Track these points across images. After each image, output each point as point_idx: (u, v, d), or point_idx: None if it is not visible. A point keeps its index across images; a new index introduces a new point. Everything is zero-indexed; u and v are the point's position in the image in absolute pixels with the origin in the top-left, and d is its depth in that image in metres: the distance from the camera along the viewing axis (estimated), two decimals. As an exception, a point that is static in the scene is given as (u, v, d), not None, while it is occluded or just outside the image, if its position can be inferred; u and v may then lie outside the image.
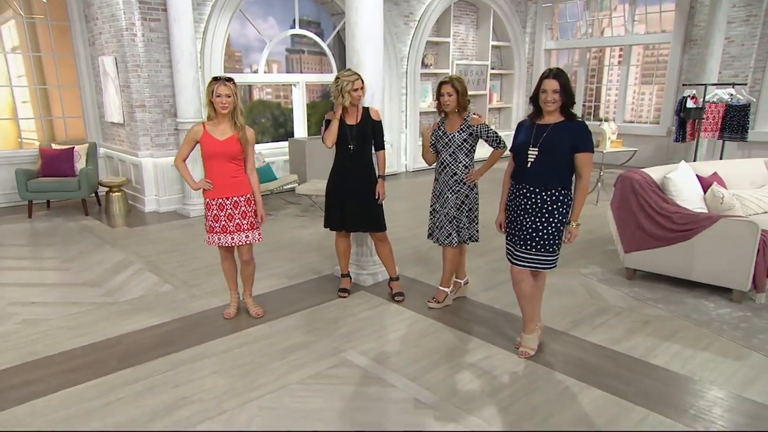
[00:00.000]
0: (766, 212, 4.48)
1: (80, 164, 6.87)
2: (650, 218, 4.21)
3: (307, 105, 9.15)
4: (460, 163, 3.74)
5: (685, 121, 7.01)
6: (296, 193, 6.82)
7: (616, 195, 4.45)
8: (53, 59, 7.43)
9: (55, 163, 6.73)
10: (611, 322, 3.77)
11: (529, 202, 3.07)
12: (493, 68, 10.81)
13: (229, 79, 3.42)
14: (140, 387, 3.02)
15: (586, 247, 5.35)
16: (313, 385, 3.03)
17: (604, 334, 3.58)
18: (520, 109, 11.35)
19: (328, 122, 3.86)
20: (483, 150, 3.88)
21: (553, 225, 3.05)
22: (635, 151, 7.47)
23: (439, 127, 3.80)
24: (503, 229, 3.31)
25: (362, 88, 3.82)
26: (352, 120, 3.88)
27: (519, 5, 10.93)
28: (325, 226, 4.15)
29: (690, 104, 6.90)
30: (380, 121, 3.98)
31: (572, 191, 3.08)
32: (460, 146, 3.72)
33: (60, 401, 2.89)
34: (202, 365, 3.26)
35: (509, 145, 3.34)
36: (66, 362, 3.29)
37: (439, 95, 3.71)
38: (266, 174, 7.11)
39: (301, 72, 9.13)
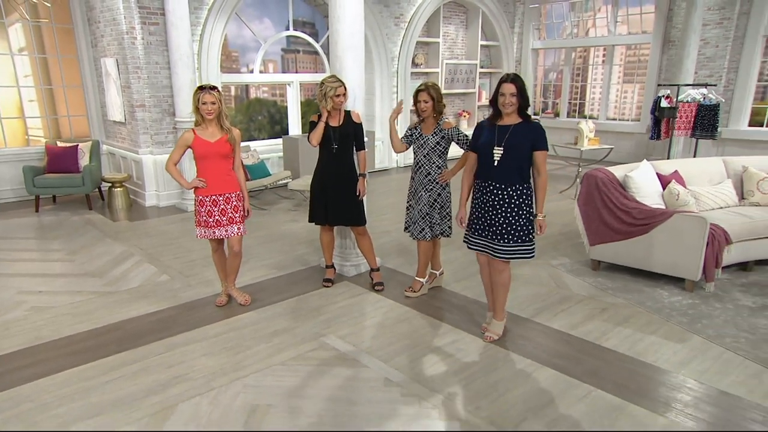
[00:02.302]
0: (721, 208, 4.78)
1: (84, 161, 7.20)
2: (612, 213, 4.51)
3: (302, 103, 9.45)
4: (433, 163, 4.05)
5: (660, 120, 7.30)
6: (289, 189, 7.14)
7: (582, 192, 4.76)
8: (58, 60, 7.75)
9: (60, 159, 7.07)
10: (572, 309, 4.09)
11: (497, 198, 3.34)
12: (482, 67, 11.09)
13: (213, 88, 3.73)
14: (137, 367, 3.35)
15: (559, 240, 5.66)
16: (294, 366, 3.36)
17: (564, 320, 3.90)
18: (510, 107, 11.62)
19: (313, 123, 4.18)
20: (455, 151, 4.18)
21: (524, 216, 3.34)
22: (611, 148, 7.77)
23: (415, 128, 4.11)
24: (463, 225, 3.61)
25: (344, 93, 4.13)
26: (335, 122, 4.19)
27: (507, 6, 11.18)
28: (310, 221, 4.47)
29: (664, 104, 7.19)
30: (361, 124, 4.29)
31: (532, 185, 3.38)
32: (433, 148, 4.03)
33: (63, 380, 3.21)
34: (194, 348, 3.59)
35: None
36: (69, 346, 3.61)
37: (416, 102, 4.01)
38: (260, 170, 7.43)
39: (297, 71, 9.43)
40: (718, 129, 7.21)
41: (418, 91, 3.99)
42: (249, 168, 7.36)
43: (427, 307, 4.16)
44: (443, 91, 10.48)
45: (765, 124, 8.71)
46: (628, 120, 10.53)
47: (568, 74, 11.25)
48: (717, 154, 8.05)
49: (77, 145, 7.21)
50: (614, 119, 10.70)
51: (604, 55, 10.64)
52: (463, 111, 11.00)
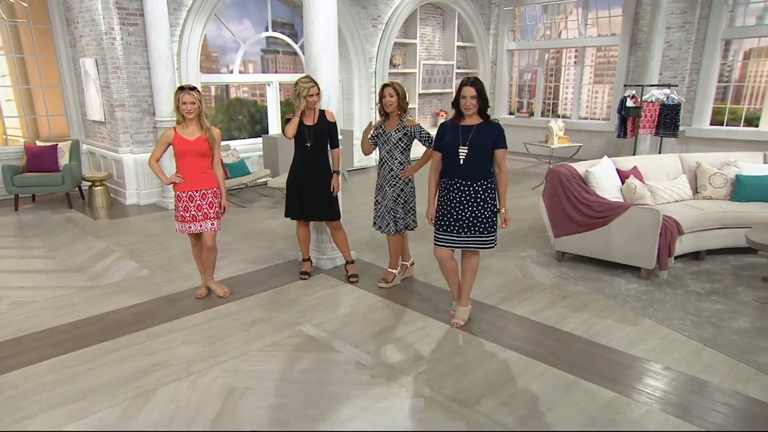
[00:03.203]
0: (676, 201, 5.08)
1: (64, 160, 7.26)
2: (574, 207, 4.77)
3: (282, 103, 9.59)
4: (395, 159, 4.26)
5: (626, 119, 7.63)
6: (268, 187, 7.29)
7: (547, 186, 5.01)
8: (36, 60, 7.79)
9: (39, 159, 7.12)
10: (536, 297, 4.33)
11: (464, 194, 3.55)
12: (459, 67, 11.35)
13: (193, 88, 3.89)
14: (119, 356, 3.49)
15: (528, 233, 5.92)
16: (270, 352, 3.53)
17: (527, 307, 4.14)
18: (486, 106, 11.92)
19: (287, 120, 4.36)
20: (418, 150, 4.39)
21: (488, 210, 3.56)
22: (580, 146, 8.08)
23: (381, 125, 4.31)
24: (433, 222, 3.83)
25: (318, 94, 4.31)
26: (309, 121, 4.37)
27: (483, 8, 11.46)
28: (286, 215, 4.64)
29: (630, 103, 7.52)
30: (335, 123, 4.48)
31: (494, 181, 3.60)
32: (396, 144, 4.24)
33: (47, 368, 3.34)
34: (174, 337, 3.74)
35: None
36: (51, 337, 3.73)
37: (381, 96, 4.21)
38: (240, 168, 7.57)
39: (277, 71, 9.57)
40: (680, 128, 7.55)
41: (384, 86, 4.21)
42: (229, 166, 7.50)
43: (399, 297, 4.36)
44: (420, 91, 10.74)
45: (725, 123, 9.12)
46: (599, 119, 10.88)
47: (542, 75, 11.57)
48: (681, 151, 8.39)
49: (57, 144, 7.27)
50: (586, 118, 11.05)
51: (575, 57, 10.99)
52: (441, 110, 11.25)
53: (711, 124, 9.21)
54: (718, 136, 8.89)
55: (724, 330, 3.66)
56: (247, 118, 10.06)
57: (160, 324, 3.93)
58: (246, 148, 8.59)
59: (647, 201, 4.79)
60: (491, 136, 3.47)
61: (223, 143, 8.07)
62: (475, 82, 3.43)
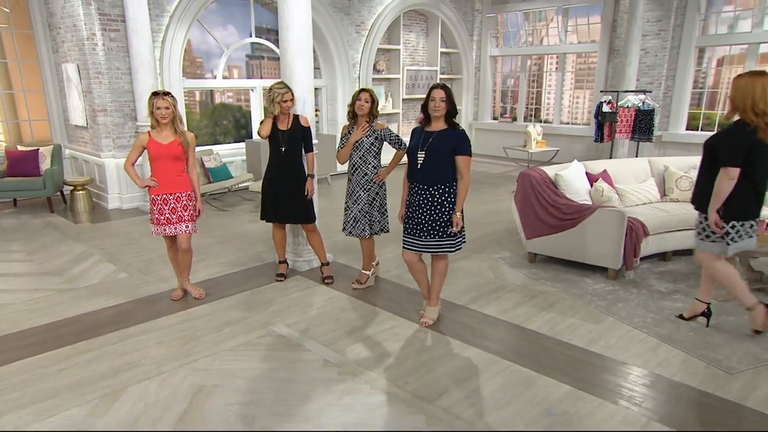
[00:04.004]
0: (644, 204, 5.21)
1: (45, 165, 7.29)
2: (545, 209, 4.89)
3: (266, 108, 9.65)
4: (369, 164, 4.35)
5: (603, 124, 7.79)
6: (250, 191, 7.36)
7: (519, 190, 5.13)
8: (17, 65, 7.82)
9: (20, 163, 7.15)
10: (505, 297, 4.43)
11: (422, 198, 3.65)
12: (443, 73, 11.50)
13: (167, 93, 3.98)
14: (91, 356, 3.55)
15: (504, 237, 6.04)
16: (241, 351, 3.60)
17: (496, 307, 4.24)
18: (468, 111, 12.08)
19: (262, 122, 4.45)
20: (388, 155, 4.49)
21: (446, 214, 3.63)
22: (557, 150, 8.23)
23: (349, 131, 4.41)
24: (401, 221, 3.92)
25: (291, 99, 4.41)
26: (283, 126, 4.46)
27: (466, 15, 11.64)
28: (262, 218, 4.72)
29: (606, 108, 7.69)
30: (309, 127, 4.57)
31: (455, 186, 3.68)
32: (368, 149, 4.33)
33: (17, 368, 3.38)
34: (147, 338, 3.80)
35: None
36: (25, 338, 3.78)
37: (355, 100, 4.30)
38: (222, 173, 7.64)
39: (262, 77, 9.65)
40: (654, 132, 7.73)
41: (361, 90, 4.29)
42: (211, 171, 7.58)
43: (371, 297, 4.45)
44: (404, 96, 10.87)
45: (700, 128, 9.32)
46: (579, 124, 11.06)
47: (524, 80, 11.75)
48: (658, 155, 8.58)
49: (38, 149, 7.30)
50: (567, 123, 11.23)
51: (557, 63, 11.17)
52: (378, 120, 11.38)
53: (687, 129, 9.41)
54: (693, 140, 9.07)
55: (682, 327, 3.78)
56: (231, 123, 10.12)
57: (135, 325, 3.99)
58: (230, 153, 8.65)
59: (614, 203, 4.92)
60: (452, 142, 3.55)
61: (205, 147, 8.17)
62: (445, 87, 3.54)
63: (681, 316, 3.91)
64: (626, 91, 8.07)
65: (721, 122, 9.03)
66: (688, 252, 5.19)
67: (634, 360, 3.39)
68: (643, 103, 7.79)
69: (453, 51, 11.66)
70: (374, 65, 10.34)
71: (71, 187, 7.26)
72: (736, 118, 3.33)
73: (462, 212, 3.65)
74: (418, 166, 3.62)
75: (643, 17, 8.76)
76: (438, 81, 3.64)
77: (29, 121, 8.05)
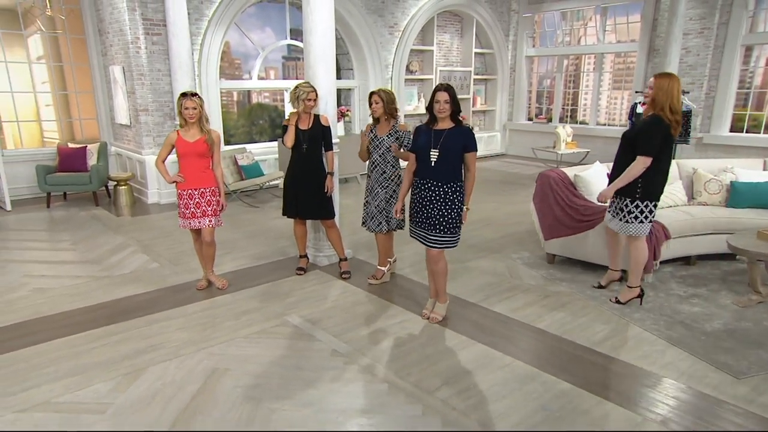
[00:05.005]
0: (670, 207, 5.09)
1: (92, 161, 7.78)
2: (563, 210, 4.86)
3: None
4: (388, 163, 4.46)
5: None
6: (280, 188, 7.58)
7: (537, 190, 5.12)
8: (71, 68, 8.38)
9: (70, 159, 7.66)
10: (518, 296, 4.45)
11: (434, 194, 3.73)
12: (477, 74, 11.47)
13: (195, 94, 4.21)
14: (119, 337, 3.82)
15: (525, 237, 6.02)
16: (255, 339, 3.79)
17: (507, 305, 4.26)
18: (503, 112, 12.00)
19: (285, 127, 4.62)
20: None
21: (455, 210, 3.73)
22: (587, 152, 8.08)
23: (371, 130, 4.53)
24: (398, 214, 4.05)
25: (315, 99, 4.58)
26: (304, 125, 4.63)
27: (502, 15, 11.56)
28: (283, 214, 4.91)
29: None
30: (329, 127, 4.73)
31: (463, 182, 3.77)
32: (388, 148, 4.44)
33: (55, 347, 3.68)
34: (171, 323, 4.04)
35: None
36: (64, 320, 4.10)
37: (370, 104, 4.45)
38: (254, 170, 7.93)
39: (297, 78, 9.92)
40: (691, 134, 7.47)
41: (371, 94, 4.45)
42: (244, 168, 7.87)
43: (385, 293, 4.56)
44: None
45: (745, 130, 8.93)
46: (616, 125, 10.79)
47: (560, 81, 11.56)
48: (699, 157, 8.28)
49: (86, 146, 7.79)
50: (604, 124, 10.97)
51: (594, 63, 10.94)
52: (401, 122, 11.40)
53: (731, 131, 9.03)
54: (736, 143, 8.72)
55: (695, 331, 3.71)
56: (267, 122, 10.46)
57: (161, 311, 4.25)
58: (264, 151, 8.95)
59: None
60: (461, 139, 3.63)
61: (239, 146, 8.49)
62: (448, 88, 3.62)
63: (600, 285, 4.48)
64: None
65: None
66: (714, 257, 5.06)
67: (638, 361, 3.36)
68: (682, 104, 7.55)
69: (488, 51, 11.61)
70: (407, 66, 10.44)
71: (115, 183, 7.70)
72: (651, 113, 3.88)
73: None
74: (432, 164, 3.69)
75: (685, 15, 8.49)
76: (441, 83, 3.67)
77: (80, 119, 8.61)
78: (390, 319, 4.08)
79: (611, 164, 4.23)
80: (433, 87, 3.76)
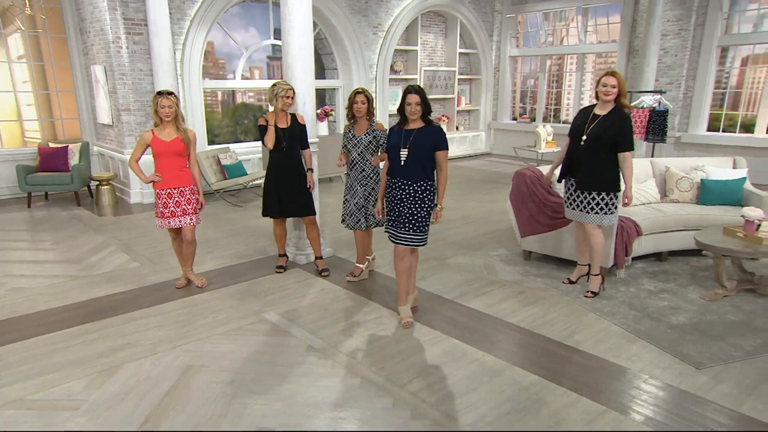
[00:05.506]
0: (643, 204, 5.19)
1: (73, 161, 7.75)
2: (538, 208, 4.95)
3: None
4: (366, 161, 4.52)
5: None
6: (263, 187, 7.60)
7: (513, 188, 5.20)
8: (52, 67, 8.34)
9: (51, 159, 7.63)
10: (493, 292, 4.52)
11: (405, 193, 3.79)
12: (461, 74, 11.57)
13: (170, 93, 4.24)
14: (96, 336, 3.83)
15: (504, 234, 6.10)
16: (232, 336, 3.82)
17: (482, 301, 4.33)
18: (488, 111, 12.10)
19: (261, 127, 4.64)
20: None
21: (425, 209, 3.79)
22: (567, 151, 8.18)
23: (349, 130, 4.58)
24: (381, 215, 4.08)
25: (293, 97, 4.62)
26: (283, 124, 4.67)
27: (485, 15, 11.67)
28: (265, 215, 4.92)
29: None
30: (305, 125, 4.78)
31: (435, 181, 3.83)
32: (366, 147, 4.50)
33: (31, 344, 3.69)
34: (148, 321, 4.06)
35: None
36: (40, 319, 4.10)
37: (353, 102, 4.48)
38: (237, 170, 7.94)
39: (282, 77, 9.92)
40: (668, 133, 7.62)
41: (356, 93, 4.47)
42: (227, 168, 7.89)
43: (362, 290, 4.61)
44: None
45: (721, 129, 9.11)
46: (598, 125, 10.92)
47: (543, 81, 11.69)
48: (678, 155, 8.46)
49: (67, 146, 7.76)
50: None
51: (576, 63, 11.08)
52: (443, 115, 11.48)
53: (708, 130, 9.21)
54: (713, 141, 8.89)
55: (662, 324, 3.80)
56: (252, 122, 10.47)
57: (139, 310, 4.26)
58: (249, 151, 8.96)
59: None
60: (431, 139, 3.69)
61: (222, 146, 8.50)
62: (419, 90, 3.68)
63: (570, 281, 4.62)
64: (640, 92, 7.98)
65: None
66: (685, 253, 5.17)
67: (605, 353, 3.44)
68: (659, 103, 7.70)
69: (472, 51, 11.71)
70: (391, 66, 10.51)
71: (97, 182, 7.68)
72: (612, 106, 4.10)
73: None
74: (402, 163, 3.76)
75: (663, 17, 8.65)
76: (411, 85, 3.72)
77: (62, 119, 8.56)
78: (366, 316, 4.13)
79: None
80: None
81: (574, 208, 4.35)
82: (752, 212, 4.03)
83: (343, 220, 4.72)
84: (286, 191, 4.74)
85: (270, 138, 4.57)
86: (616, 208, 4.19)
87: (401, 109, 3.75)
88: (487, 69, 11.92)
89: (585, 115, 4.23)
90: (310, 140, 4.92)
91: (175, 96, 4.26)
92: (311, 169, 4.82)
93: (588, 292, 4.36)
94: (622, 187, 4.19)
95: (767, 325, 3.80)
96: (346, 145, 4.58)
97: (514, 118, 12.39)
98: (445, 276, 4.88)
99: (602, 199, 4.17)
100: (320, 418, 2.87)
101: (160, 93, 4.24)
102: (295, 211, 4.84)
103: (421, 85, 10.71)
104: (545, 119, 11.65)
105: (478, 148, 12.25)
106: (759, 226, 4.07)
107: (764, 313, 4.00)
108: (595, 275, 4.38)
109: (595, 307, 4.13)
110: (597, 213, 4.20)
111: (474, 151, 12.06)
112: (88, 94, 8.47)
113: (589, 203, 4.21)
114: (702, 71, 8.94)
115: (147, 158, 4.59)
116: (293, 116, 4.72)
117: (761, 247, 3.94)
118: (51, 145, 7.86)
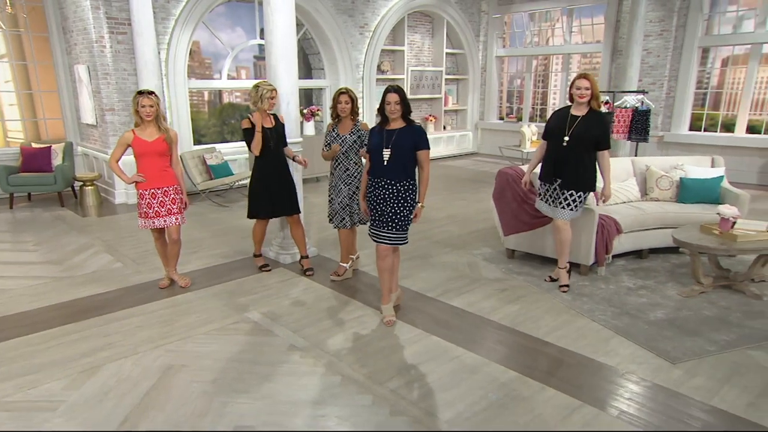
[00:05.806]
0: (624, 202, 5.27)
1: (57, 161, 7.68)
2: (521, 207, 4.99)
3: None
4: (351, 160, 4.54)
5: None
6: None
7: (496, 187, 5.24)
8: (35, 67, 8.26)
9: (34, 160, 7.55)
10: (476, 290, 4.56)
11: (387, 192, 3.81)
12: (448, 74, 11.62)
13: (151, 92, 4.23)
14: (77, 336, 3.82)
15: (488, 233, 6.15)
16: (214, 335, 3.82)
17: (464, 299, 4.37)
18: (475, 111, 12.17)
19: (246, 130, 4.60)
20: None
21: (407, 208, 3.82)
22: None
23: (332, 130, 4.60)
24: (367, 214, 4.09)
25: (275, 97, 4.63)
26: (268, 124, 4.67)
27: (472, 16, 11.73)
28: (253, 217, 4.86)
29: (603, 109, 7.70)
30: (284, 124, 4.81)
31: (417, 180, 3.86)
32: (351, 146, 4.52)
33: (12, 345, 3.67)
34: (130, 322, 4.05)
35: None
36: (21, 320, 4.07)
37: (337, 102, 4.50)
38: (223, 170, 7.93)
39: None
40: (650, 133, 7.72)
41: (340, 93, 4.49)
42: (213, 168, 7.87)
43: (346, 289, 4.63)
44: (409, 97, 11.02)
45: (703, 129, 9.24)
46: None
47: (530, 81, 11.78)
48: (661, 154, 8.57)
49: (50, 146, 7.70)
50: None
51: (562, 63, 11.18)
52: (430, 115, 11.52)
53: (690, 130, 9.34)
54: (696, 141, 9.02)
55: (640, 321, 3.87)
56: (239, 122, 10.42)
57: (121, 310, 4.25)
58: (235, 151, 8.93)
59: (590, 202, 4.98)
60: (412, 138, 3.72)
61: (207, 146, 8.47)
62: (398, 90, 3.72)
63: (551, 279, 4.67)
64: (623, 92, 8.07)
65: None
66: (665, 250, 5.25)
67: (583, 349, 3.49)
68: (642, 103, 7.80)
69: (459, 52, 11.77)
70: (378, 66, 10.53)
71: (81, 183, 7.62)
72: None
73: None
74: (385, 163, 3.78)
75: (646, 17, 8.75)
76: (390, 84, 3.75)
77: (44, 119, 8.49)
78: (349, 314, 4.15)
79: None
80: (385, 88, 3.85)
81: (547, 202, 4.52)
82: (727, 210, 4.10)
83: (331, 220, 4.74)
84: (278, 190, 4.75)
85: (257, 144, 4.54)
86: (583, 204, 4.40)
87: (381, 109, 3.77)
88: (473, 69, 11.98)
89: (562, 117, 4.29)
90: (294, 140, 4.96)
91: (155, 95, 4.25)
92: (297, 155, 4.84)
93: (561, 286, 4.46)
94: (598, 185, 4.30)
95: (741, 320, 3.88)
96: (329, 144, 4.60)
97: (501, 118, 12.47)
98: (429, 274, 4.92)
99: (579, 196, 4.33)
100: (300, 415, 2.89)
101: (140, 92, 4.23)
102: (286, 209, 4.85)
103: (409, 85, 10.82)
104: (531, 119, 11.74)
105: (466, 147, 12.31)
106: (734, 223, 4.15)
107: (739, 308, 4.08)
108: (562, 268, 4.53)
109: (575, 305, 4.18)
110: (571, 209, 4.37)
111: (461, 150, 12.12)
112: (72, 93, 8.40)
113: (566, 199, 4.36)
114: (684, 71, 9.07)
115: (129, 159, 4.57)
116: (275, 116, 4.73)
117: (735, 244, 4.02)
118: (34, 145, 7.79)
